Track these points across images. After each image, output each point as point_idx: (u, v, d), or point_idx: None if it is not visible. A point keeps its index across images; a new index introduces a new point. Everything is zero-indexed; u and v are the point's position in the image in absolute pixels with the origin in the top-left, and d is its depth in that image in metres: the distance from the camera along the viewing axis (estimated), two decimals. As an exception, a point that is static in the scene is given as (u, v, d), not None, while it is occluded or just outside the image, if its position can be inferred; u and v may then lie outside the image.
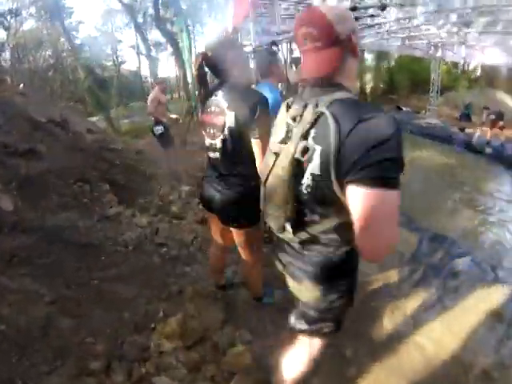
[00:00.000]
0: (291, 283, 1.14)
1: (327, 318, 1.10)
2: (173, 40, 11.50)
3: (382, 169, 0.75)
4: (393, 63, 14.51)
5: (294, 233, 0.98)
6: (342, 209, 0.87)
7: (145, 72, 20.10)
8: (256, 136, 1.37)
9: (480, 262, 2.70)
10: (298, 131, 0.90)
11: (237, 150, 1.45)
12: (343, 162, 0.78)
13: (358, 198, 0.79)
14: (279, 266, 1.20)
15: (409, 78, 13.44)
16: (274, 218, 1.02)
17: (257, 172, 1.41)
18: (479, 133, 8.23)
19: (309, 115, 0.88)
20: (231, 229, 1.63)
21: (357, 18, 4.05)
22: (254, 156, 1.42)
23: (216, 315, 1.87)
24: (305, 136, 0.87)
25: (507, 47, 5.27)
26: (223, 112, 1.41)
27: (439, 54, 5.78)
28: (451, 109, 12.68)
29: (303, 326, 1.13)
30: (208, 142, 1.54)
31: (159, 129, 4.58)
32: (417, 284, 2.33)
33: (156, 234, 2.73)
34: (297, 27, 0.91)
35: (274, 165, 0.98)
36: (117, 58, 19.94)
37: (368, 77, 15.51)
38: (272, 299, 2.02)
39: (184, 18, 8.64)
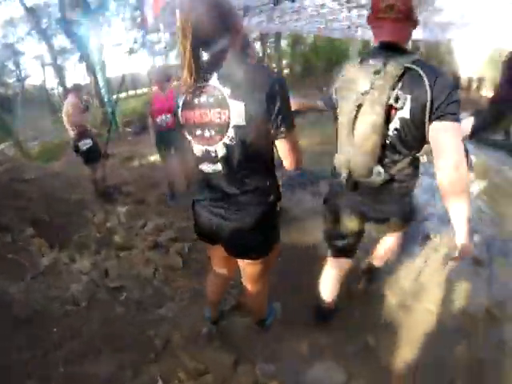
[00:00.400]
0: (372, 225, 1.37)
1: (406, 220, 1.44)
2: (80, 43, 9.97)
3: (456, 107, 1.03)
4: (307, 48, 14.89)
5: (381, 175, 1.18)
6: (419, 145, 1.16)
7: (50, 84, 17.30)
8: (283, 136, 0.99)
9: (447, 221, 2.84)
10: (383, 83, 1.09)
11: (249, 157, 1.03)
12: (434, 104, 1.02)
13: (443, 129, 1.03)
14: (348, 214, 1.35)
15: (325, 59, 13.88)
16: (363, 164, 1.19)
17: (277, 182, 1.16)
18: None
19: (394, 70, 1.07)
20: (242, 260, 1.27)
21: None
22: (272, 161, 1.07)
23: (221, 357, 1.59)
24: (393, 87, 1.07)
25: (424, 24, 5.84)
26: (224, 103, 0.96)
27: (359, 33, 6.05)
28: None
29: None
30: (199, 149, 1.08)
31: (87, 143, 3.75)
32: (400, 255, 2.31)
33: (106, 276, 2.22)
34: None
35: (357, 114, 1.15)
36: (20, 72, 16.65)
37: (284, 62, 15.66)
38: (275, 316, 1.81)
39: (92, 18, 7.37)
